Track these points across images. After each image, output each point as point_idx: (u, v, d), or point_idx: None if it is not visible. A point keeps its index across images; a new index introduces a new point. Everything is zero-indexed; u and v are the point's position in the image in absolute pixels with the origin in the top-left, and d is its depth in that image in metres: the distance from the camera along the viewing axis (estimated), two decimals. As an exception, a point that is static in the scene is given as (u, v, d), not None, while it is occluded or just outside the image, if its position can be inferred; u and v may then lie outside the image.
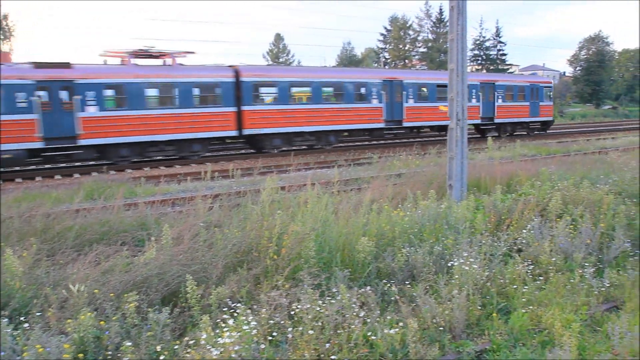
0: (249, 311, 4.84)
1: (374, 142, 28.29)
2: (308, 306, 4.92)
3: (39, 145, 19.11)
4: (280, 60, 70.96)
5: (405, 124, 27.97)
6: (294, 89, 24.79)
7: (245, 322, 4.62)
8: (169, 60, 23.16)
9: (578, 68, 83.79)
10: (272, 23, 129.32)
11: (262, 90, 23.99)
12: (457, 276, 5.83)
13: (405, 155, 16.59)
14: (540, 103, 35.76)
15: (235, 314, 4.80)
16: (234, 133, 23.40)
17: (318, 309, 4.95)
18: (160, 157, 22.75)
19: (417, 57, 73.41)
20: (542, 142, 27.13)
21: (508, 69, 73.35)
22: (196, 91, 22.51)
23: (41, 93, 19.03)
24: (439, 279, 5.87)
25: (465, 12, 10.50)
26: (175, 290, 5.70)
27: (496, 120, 32.79)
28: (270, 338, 4.83)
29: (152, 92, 21.45)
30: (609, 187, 9.93)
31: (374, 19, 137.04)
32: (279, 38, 73.40)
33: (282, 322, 5.01)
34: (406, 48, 73.11)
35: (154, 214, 9.15)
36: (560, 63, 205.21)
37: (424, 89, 29.05)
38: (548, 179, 10.65)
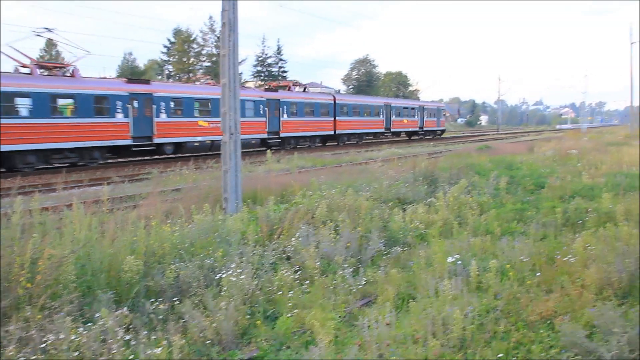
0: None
1: (156, 157, 27.52)
2: (63, 336, 4.55)
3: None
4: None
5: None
6: (356, 109, 44.64)
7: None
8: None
9: (351, 86, 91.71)
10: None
11: (345, 108, 42.95)
12: (225, 288, 5.92)
13: (185, 170, 16.40)
14: (440, 119, 61.69)
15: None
16: (332, 133, 41.35)
17: (75, 337, 4.62)
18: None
19: (201, 71, 73.27)
20: (318, 154, 29.06)
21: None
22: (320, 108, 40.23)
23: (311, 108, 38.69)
24: (208, 293, 5.89)
25: (237, 28, 10.78)
26: None
27: (425, 129, 56.49)
28: (17, 377, 4.35)
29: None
30: (370, 194, 10.98)
31: (157, 30, 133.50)
32: (50, 44, 67.23)
33: (34, 357, 4.55)
34: (190, 61, 72.49)
35: None
36: (336, 81, 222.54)
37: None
38: (318, 188, 11.40)
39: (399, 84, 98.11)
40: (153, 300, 5.86)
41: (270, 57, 77.24)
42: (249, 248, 7.25)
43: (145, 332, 5.09)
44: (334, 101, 41.65)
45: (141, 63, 77.44)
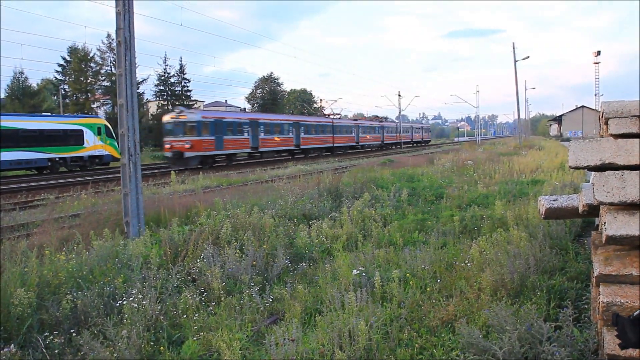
0: None
1: (53, 182, 26.02)
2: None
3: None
4: None
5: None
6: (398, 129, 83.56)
7: None
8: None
9: (255, 105, 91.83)
10: None
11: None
12: (127, 315, 5.69)
13: (84, 194, 15.63)
14: (425, 134, 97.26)
15: None
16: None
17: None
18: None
19: (100, 91, 70.44)
20: (224, 173, 28.70)
21: (193, 104, 75.85)
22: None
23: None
24: (109, 321, 5.63)
25: (133, 47, 10.52)
26: None
27: (424, 139, 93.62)
28: None
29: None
30: (275, 211, 10.98)
31: (49, 48, 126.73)
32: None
33: None
34: (88, 81, 69.51)
35: None
36: (240, 100, 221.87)
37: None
38: (223, 208, 11.26)
39: (303, 101, 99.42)
40: (47, 334, 5.52)
41: (172, 76, 75.68)
42: (152, 272, 7.02)
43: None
44: (332, 124, 61.84)
45: (34, 82, 73.23)
